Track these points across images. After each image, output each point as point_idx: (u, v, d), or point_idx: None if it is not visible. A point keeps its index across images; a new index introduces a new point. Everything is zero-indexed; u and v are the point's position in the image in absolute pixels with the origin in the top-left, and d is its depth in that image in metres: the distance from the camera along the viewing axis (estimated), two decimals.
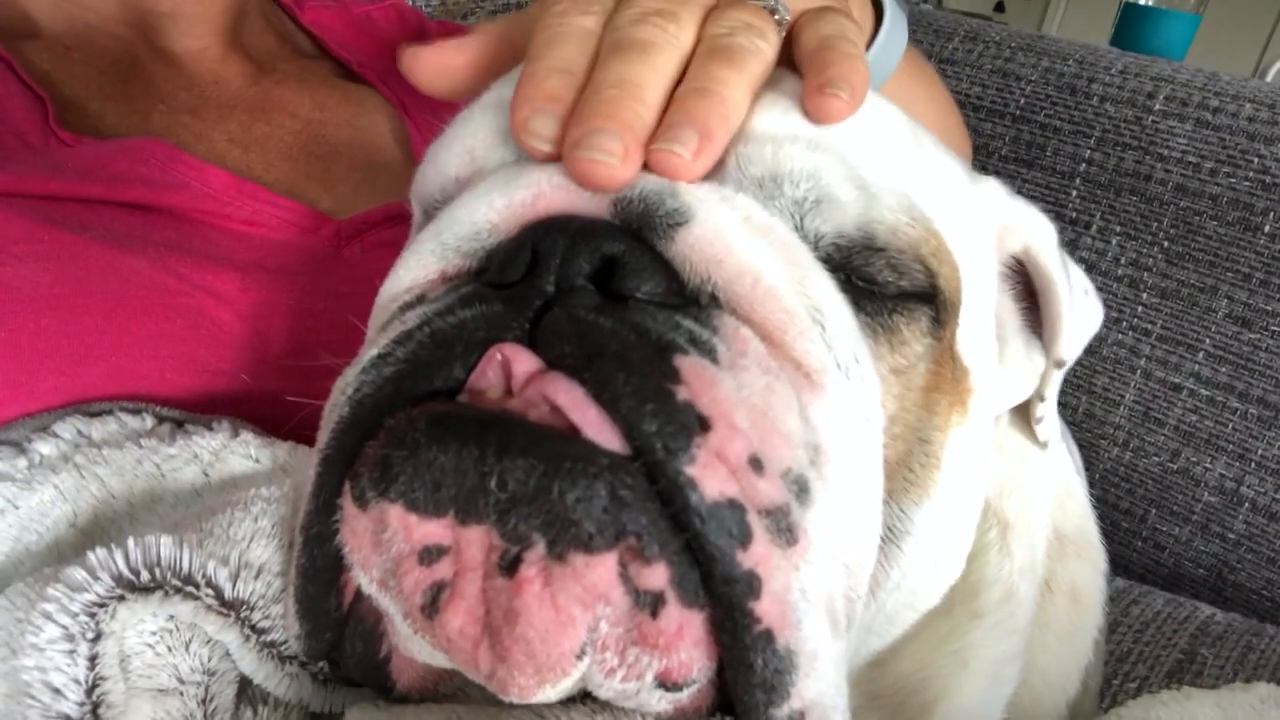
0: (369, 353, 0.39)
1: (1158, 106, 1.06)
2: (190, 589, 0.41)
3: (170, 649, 0.42)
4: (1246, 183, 1.00)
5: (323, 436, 0.40)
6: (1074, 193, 1.10)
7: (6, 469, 0.49)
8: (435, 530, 0.34)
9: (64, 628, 0.39)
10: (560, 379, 0.35)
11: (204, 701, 0.43)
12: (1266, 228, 0.99)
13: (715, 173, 0.44)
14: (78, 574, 0.40)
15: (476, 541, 0.34)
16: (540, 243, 0.39)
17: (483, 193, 0.42)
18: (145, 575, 0.41)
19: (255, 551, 0.44)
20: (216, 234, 0.66)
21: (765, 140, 0.44)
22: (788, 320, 0.39)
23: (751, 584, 0.35)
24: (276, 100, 0.82)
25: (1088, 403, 1.10)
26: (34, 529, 0.48)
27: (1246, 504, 1.01)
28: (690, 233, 0.39)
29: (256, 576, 0.43)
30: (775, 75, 0.47)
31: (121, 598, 0.40)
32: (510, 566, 0.33)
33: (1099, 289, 1.07)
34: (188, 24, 0.82)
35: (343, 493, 0.37)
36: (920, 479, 0.45)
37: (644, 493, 0.34)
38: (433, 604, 0.35)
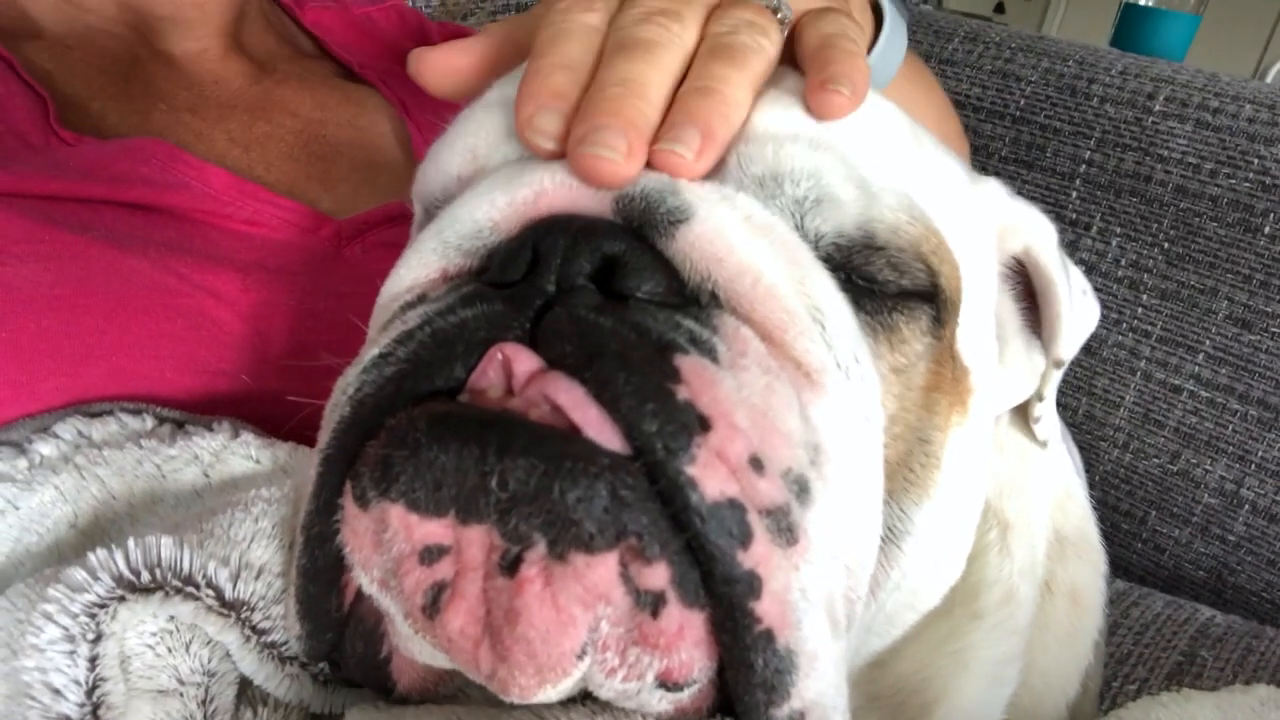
0: (370, 352, 0.39)
1: (1158, 107, 1.06)
2: (191, 590, 0.41)
3: (170, 650, 0.42)
4: (1247, 184, 1.00)
5: (324, 436, 0.40)
6: (1074, 194, 1.10)
7: (7, 470, 0.49)
8: (436, 530, 0.34)
9: (64, 628, 0.39)
10: (561, 378, 0.35)
11: (204, 703, 0.43)
12: (1266, 229, 0.99)
13: (716, 171, 0.44)
14: (78, 574, 0.40)
15: (477, 541, 0.34)
16: (541, 242, 0.39)
17: (484, 191, 0.42)
18: (146, 576, 0.41)
19: (256, 552, 0.44)
20: (217, 234, 0.66)
21: (766, 139, 0.44)
22: (788, 319, 0.39)
23: (752, 584, 0.35)
24: (277, 100, 0.82)
25: (1088, 404, 1.10)
26: (34, 530, 0.48)
27: (1246, 506, 1.01)
28: (691, 230, 0.40)
29: (257, 577, 0.43)
30: (778, 73, 0.47)
31: (122, 598, 0.40)
32: (511, 566, 0.33)
33: (1099, 290, 1.08)
34: (187, 27, 0.82)
35: (344, 492, 0.37)
36: (920, 479, 0.45)
37: (644, 492, 0.34)
38: (433, 604, 0.35)
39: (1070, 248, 1.09)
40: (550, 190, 0.41)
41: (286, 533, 0.45)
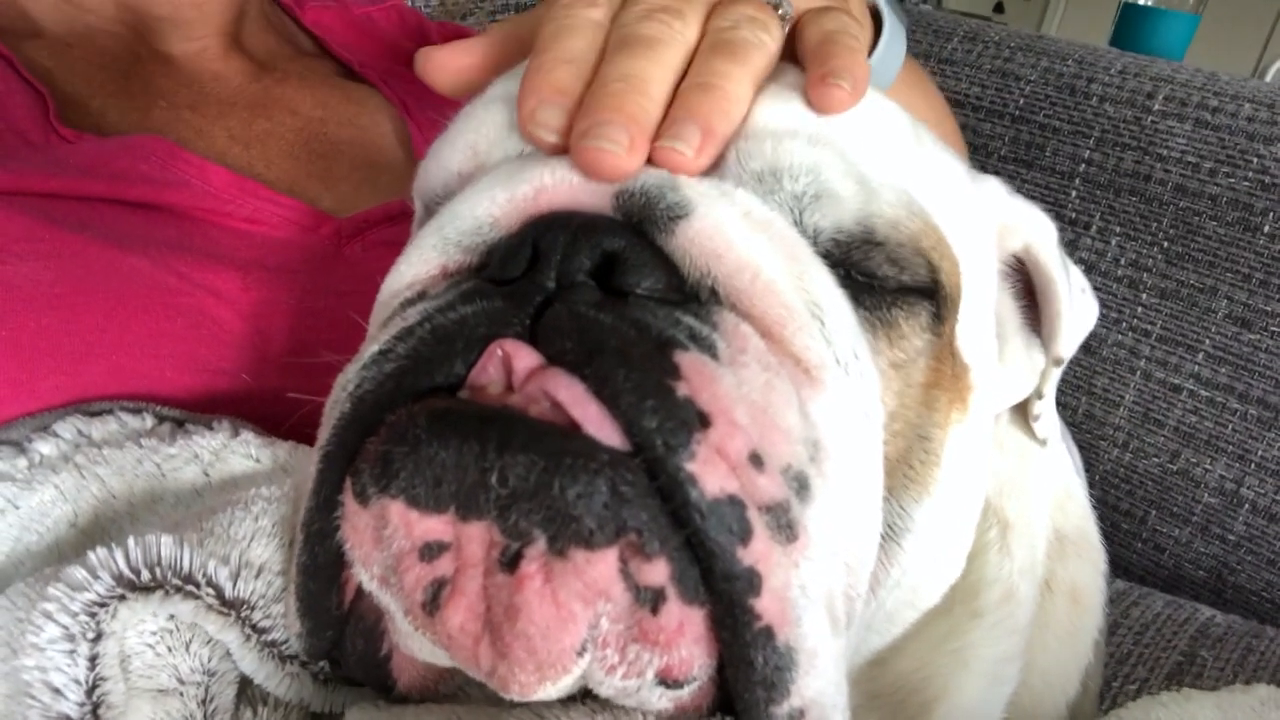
0: (370, 349, 0.39)
1: (1157, 107, 1.06)
2: (191, 588, 0.41)
3: (170, 649, 0.42)
4: (1246, 183, 1.00)
5: (324, 433, 0.40)
6: (1073, 193, 1.10)
7: (7, 469, 0.49)
8: (436, 526, 0.34)
9: (64, 627, 0.39)
10: (561, 375, 0.35)
11: (204, 702, 0.43)
12: (1266, 228, 0.99)
13: (716, 167, 0.44)
14: (78, 573, 0.40)
15: (477, 538, 0.34)
16: (541, 239, 0.39)
17: (484, 187, 0.42)
18: (146, 574, 0.41)
19: (256, 551, 0.44)
20: (217, 232, 0.66)
21: (765, 135, 0.44)
22: (787, 315, 0.39)
23: (751, 580, 0.35)
24: (278, 98, 0.82)
25: (1087, 404, 1.10)
26: (34, 529, 0.48)
27: (1246, 505, 1.01)
28: (690, 226, 0.40)
29: (257, 576, 0.43)
30: (779, 69, 0.47)
31: (122, 597, 0.40)
32: (511, 563, 0.33)
33: (1098, 290, 1.08)
34: (186, 26, 0.82)
35: (344, 489, 0.37)
36: (920, 476, 0.45)
37: (644, 489, 0.34)
38: (433, 600, 0.35)
39: (1070, 247, 1.09)
40: (550, 186, 0.41)
41: (286, 531, 0.45)
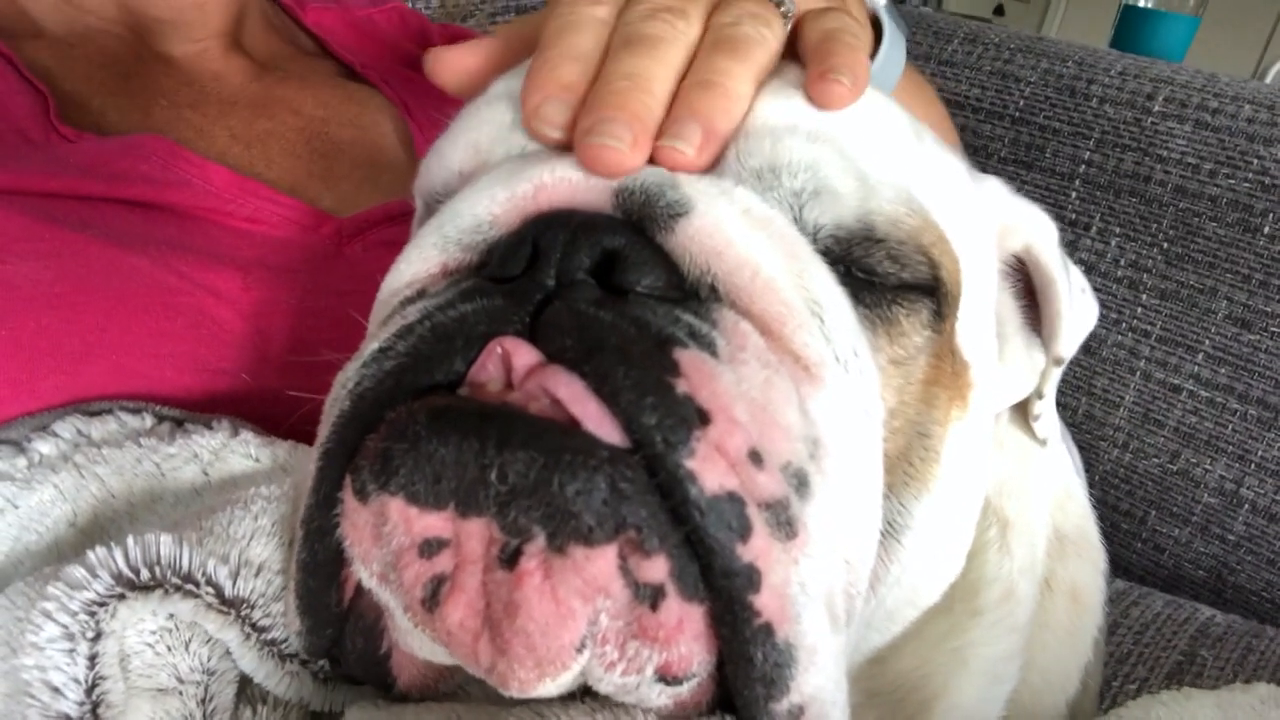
0: (370, 347, 0.39)
1: (1157, 108, 1.06)
2: (190, 587, 0.41)
3: (170, 648, 0.42)
4: (1246, 184, 1.00)
5: (323, 430, 0.40)
6: (1073, 194, 1.10)
7: (6, 468, 0.49)
8: (436, 523, 0.34)
9: (64, 626, 0.39)
10: (560, 372, 0.35)
11: (203, 701, 0.42)
12: (1266, 229, 0.99)
13: (715, 164, 0.44)
14: (77, 572, 0.40)
15: (477, 534, 0.34)
16: (541, 237, 0.39)
17: (484, 186, 0.42)
18: (145, 573, 0.41)
19: (255, 550, 0.44)
20: (218, 231, 0.66)
21: (765, 133, 0.44)
22: (786, 313, 0.39)
23: (751, 577, 0.35)
24: (279, 97, 0.83)
25: (1087, 404, 1.10)
26: (34, 529, 0.48)
27: (1246, 505, 1.01)
28: (690, 224, 0.40)
29: (257, 574, 0.43)
30: (780, 67, 0.48)
31: (121, 596, 0.40)
32: (510, 559, 0.33)
33: (1098, 290, 1.08)
34: (186, 29, 0.82)
35: (343, 486, 0.37)
36: (920, 473, 0.45)
37: (644, 485, 0.34)
38: (433, 597, 0.35)
39: (1070, 248, 1.09)
40: (550, 185, 0.41)
41: (286, 530, 0.45)
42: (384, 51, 0.97)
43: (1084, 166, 1.09)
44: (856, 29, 0.49)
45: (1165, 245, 1.04)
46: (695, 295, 0.39)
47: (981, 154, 1.16)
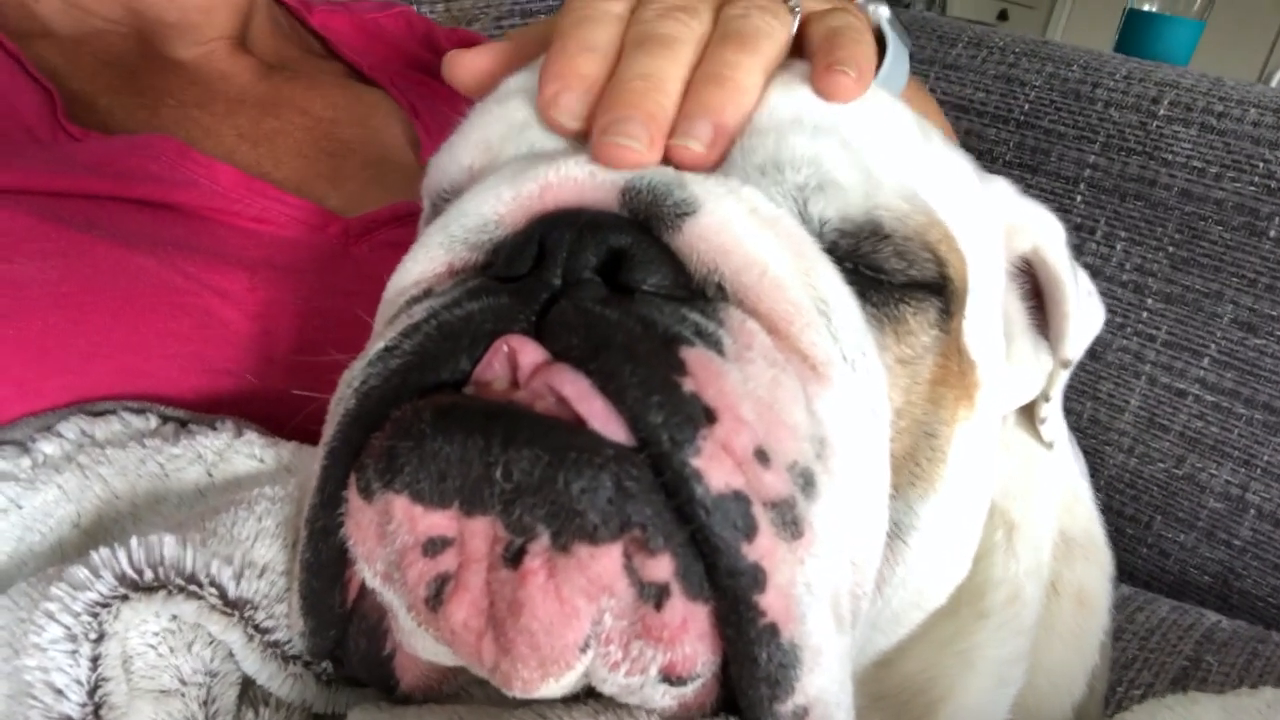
0: (375, 346, 0.39)
1: (1162, 112, 1.06)
2: (194, 588, 0.41)
3: (173, 650, 0.42)
4: (1251, 188, 1.00)
5: (329, 429, 0.40)
6: (1078, 198, 1.10)
7: (10, 468, 0.49)
8: (440, 522, 0.34)
9: (66, 627, 0.39)
10: (566, 370, 0.35)
11: (206, 703, 0.42)
12: (1271, 232, 0.99)
13: (720, 161, 0.44)
14: (80, 573, 0.40)
15: (481, 533, 0.34)
16: (547, 236, 0.39)
17: (490, 186, 0.43)
18: (149, 574, 0.40)
19: (259, 551, 0.44)
20: (225, 231, 0.66)
21: (770, 129, 0.44)
22: (794, 312, 0.39)
23: (756, 577, 0.34)
24: (287, 97, 0.83)
25: (1092, 408, 1.10)
26: (37, 529, 0.48)
27: (1252, 510, 1.00)
28: (698, 223, 0.40)
29: (260, 576, 0.43)
30: (787, 62, 0.48)
31: (125, 597, 0.40)
32: (515, 558, 0.33)
33: (1103, 294, 1.07)
34: (193, 31, 0.82)
35: (348, 485, 0.37)
36: (926, 473, 0.45)
37: (649, 484, 0.33)
38: (437, 596, 0.35)
39: (1075, 252, 1.08)
40: (555, 184, 0.41)
41: (290, 531, 0.45)
42: (391, 54, 0.97)
43: (1089, 170, 1.09)
44: (861, 28, 0.50)
45: (1171, 249, 1.04)
46: (702, 294, 0.39)
47: (986, 158, 1.16)
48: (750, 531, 0.34)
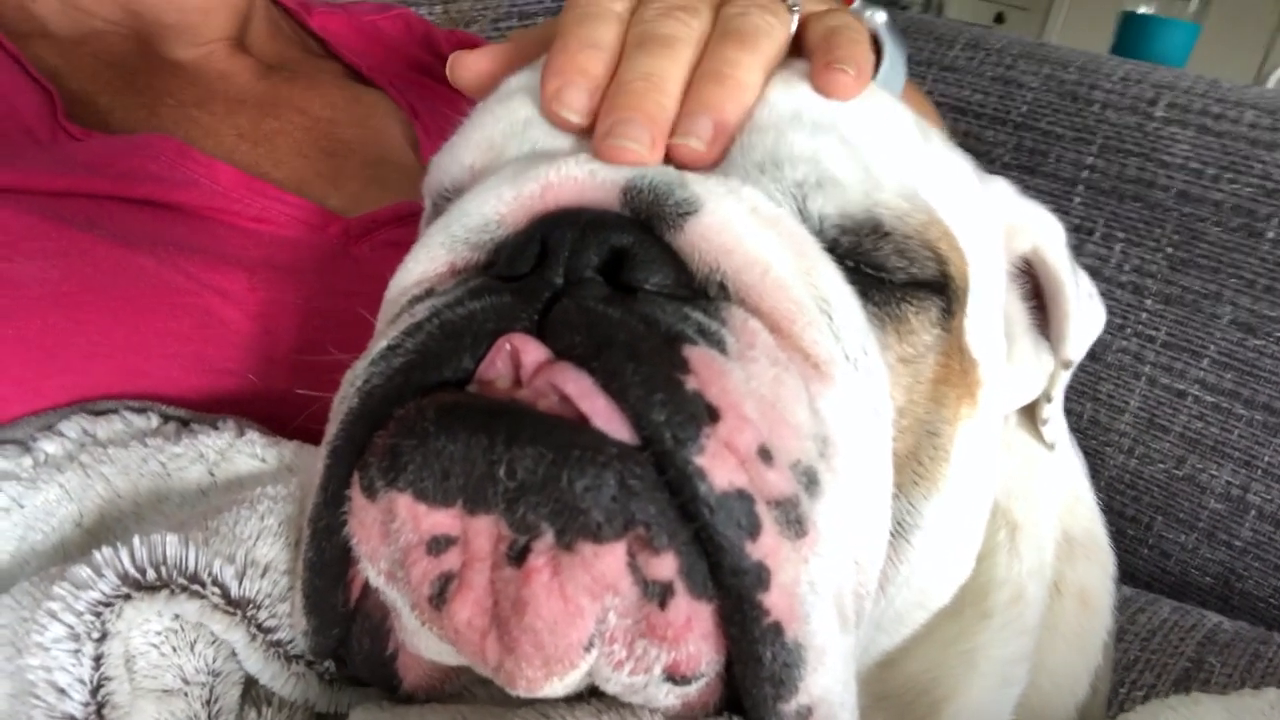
0: (378, 345, 0.39)
1: (1159, 113, 1.06)
2: (196, 587, 0.41)
3: (175, 649, 0.42)
4: (1249, 189, 1.00)
5: (331, 428, 0.40)
6: (1076, 199, 1.10)
7: (12, 468, 0.49)
8: (444, 520, 0.34)
9: (69, 626, 0.39)
10: (569, 369, 0.35)
11: (209, 702, 0.42)
12: (1269, 234, 0.99)
13: (720, 159, 0.45)
14: (83, 572, 0.40)
15: (485, 531, 0.34)
16: (549, 235, 0.39)
17: (491, 186, 0.43)
18: (151, 574, 0.40)
19: (261, 550, 0.43)
20: (225, 231, 0.66)
21: (769, 126, 0.45)
22: (796, 311, 0.39)
23: (760, 575, 0.34)
24: (286, 97, 0.83)
25: (1092, 409, 1.10)
26: (39, 528, 0.48)
27: (1253, 511, 1.00)
28: (700, 222, 0.40)
29: (263, 575, 0.43)
30: (786, 61, 0.48)
31: (127, 596, 0.40)
32: (519, 556, 0.33)
33: (1102, 296, 1.07)
34: (192, 33, 0.82)
35: (351, 484, 0.37)
36: (929, 472, 0.45)
37: (653, 482, 0.33)
38: (440, 595, 0.35)
39: (1073, 253, 1.09)
40: (556, 184, 0.41)
41: (292, 530, 0.45)
42: (390, 56, 0.97)
43: (1087, 172, 1.09)
44: (859, 28, 0.50)
45: (1169, 250, 1.04)
46: (704, 293, 0.39)
47: (984, 160, 1.16)
48: (754, 530, 0.34)
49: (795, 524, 0.36)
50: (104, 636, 0.39)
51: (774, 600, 0.35)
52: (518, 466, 0.33)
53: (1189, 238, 1.03)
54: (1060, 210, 1.12)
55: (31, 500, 0.48)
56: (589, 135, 0.45)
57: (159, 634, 0.41)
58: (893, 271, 0.44)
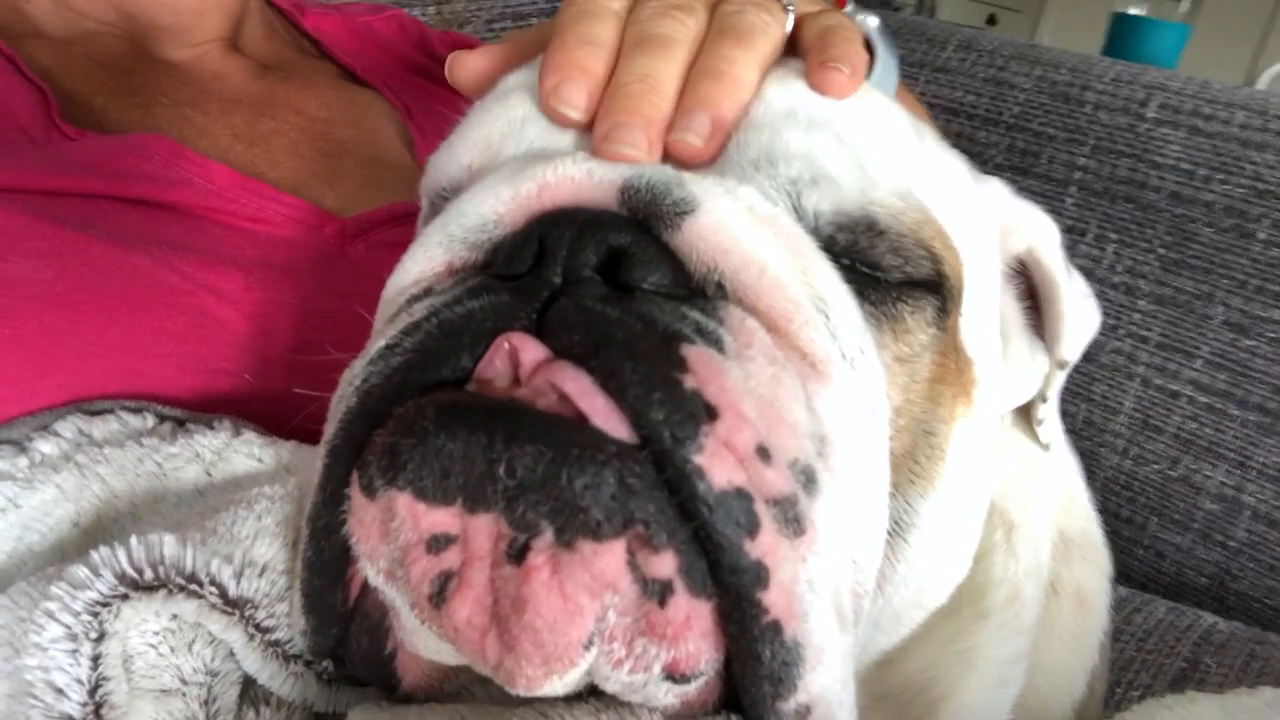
0: (376, 344, 0.39)
1: (1151, 114, 1.06)
2: (194, 587, 0.41)
3: (173, 649, 0.42)
4: (1240, 189, 1.00)
5: (330, 428, 0.40)
6: (1069, 200, 1.10)
7: (8, 468, 0.49)
8: (443, 518, 0.34)
9: (67, 627, 0.39)
10: (568, 367, 0.35)
11: (206, 702, 0.42)
12: (1260, 234, 0.99)
13: (716, 154, 0.45)
14: (80, 572, 0.40)
15: (484, 530, 0.34)
16: (547, 235, 0.39)
17: (488, 185, 0.43)
18: (149, 573, 0.40)
19: (259, 549, 0.43)
20: (220, 231, 0.66)
21: (764, 124, 0.45)
22: (793, 310, 0.39)
23: (759, 574, 0.34)
24: (281, 97, 0.83)
25: (1087, 410, 1.10)
26: (36, 529, 0.48)
27: (1247, 511, 1.00)
28: (697, 221, 0.40)
29: (260, 574, 0.43)
30: (781, 60, 0.48)
31: (125, 596, 0.40)
32: (518, 555, 0.33)
33: (1095, 297, 1.07)
34: (186, 34, 0.82)
35: (350, 483, 0.37)
36: (926, 471, 0.45)
37: (652, 480, 0.34)
38: (440, 593, 0.35)
39: (1066, 254, 1.09)
40: (553, 184, 0.41)
41: (290, 530, 0.45)
42: (384, 57, 0.97)
43: (1079, 173, 1.10)
44: (853, 28, 0.51)
45: (1161, 251, 1.05)
46: (701, 293, 0.39)
47: (977, 160, 1.15)
48: (753, 528, 0.34)
49: (793, 522, 0.36)
50: (101, 636, 0.39)
51: (773, 598, 0.35)
52: (517, 465, 0.33)
53: (1181, 239, 1.03)
54: (1053, 211, 1.11)
55: (28, 501, 0.48)
56: (587, 132, 0.45)
57: (157, 634, 0.41)
58: (888, 270, 0.44)
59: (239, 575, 0.42)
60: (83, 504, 0.49)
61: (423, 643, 0.39)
